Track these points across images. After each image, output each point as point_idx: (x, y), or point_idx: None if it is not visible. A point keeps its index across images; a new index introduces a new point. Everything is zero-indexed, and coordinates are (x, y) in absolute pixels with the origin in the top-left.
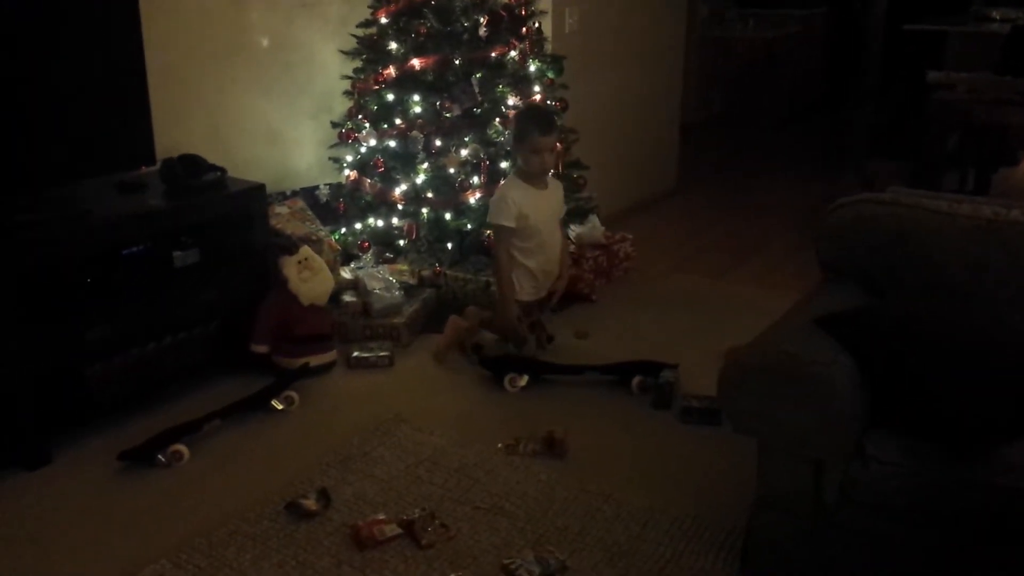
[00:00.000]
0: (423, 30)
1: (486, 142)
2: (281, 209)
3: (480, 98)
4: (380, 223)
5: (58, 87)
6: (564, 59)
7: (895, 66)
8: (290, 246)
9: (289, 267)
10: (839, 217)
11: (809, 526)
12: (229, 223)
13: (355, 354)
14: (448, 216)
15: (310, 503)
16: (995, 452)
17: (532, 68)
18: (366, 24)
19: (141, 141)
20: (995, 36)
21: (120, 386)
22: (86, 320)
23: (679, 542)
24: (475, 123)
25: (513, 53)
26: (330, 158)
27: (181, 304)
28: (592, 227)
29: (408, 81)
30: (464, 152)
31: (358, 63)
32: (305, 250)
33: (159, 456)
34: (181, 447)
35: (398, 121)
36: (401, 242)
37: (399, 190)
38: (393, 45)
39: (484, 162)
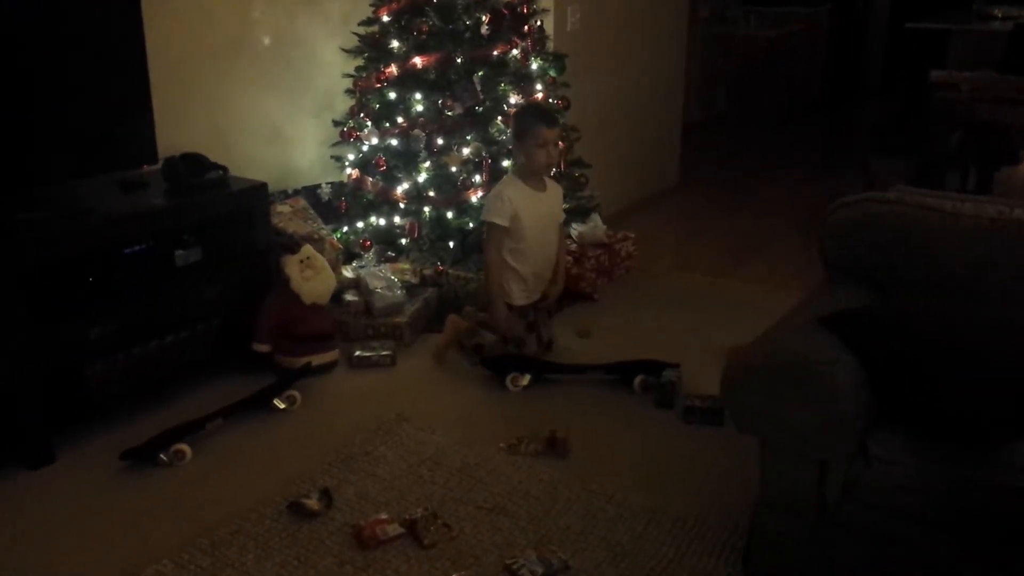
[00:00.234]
0: (425, 28)
1: (488, 140)
2: (283, 208)
3: (482, 96)
4: (382, 222)
5: (60, 86)
6: (566, 57)
7: (897, 65)
8: (292, 245)
9: (291, 266)
10: (842, 216)
11: (812, 526)
12: (231, 222)
13: (357, 353)
14: (450, 215)
15: (312, 503)
16: (999, 451)
17: (534, 66)
18: (368, 22)
19: (143, 140)
20: (997, 34)
21: (122, 385)
22: (88, 319)
23: (681, 542)
24: (477, 121)
25: (515, 51)
26: (332, 156)
27: (183, 303)
28: (594, 226)
29: (410, 79)
30: (466, 151)
31: (360, 61)
32: (307, 249)
33: (161, 455)
34: (183, 446)
35: (400, 119)
36: (403, 241)
37: (401, 189)
38: (395, 43)
39: (486, 160)
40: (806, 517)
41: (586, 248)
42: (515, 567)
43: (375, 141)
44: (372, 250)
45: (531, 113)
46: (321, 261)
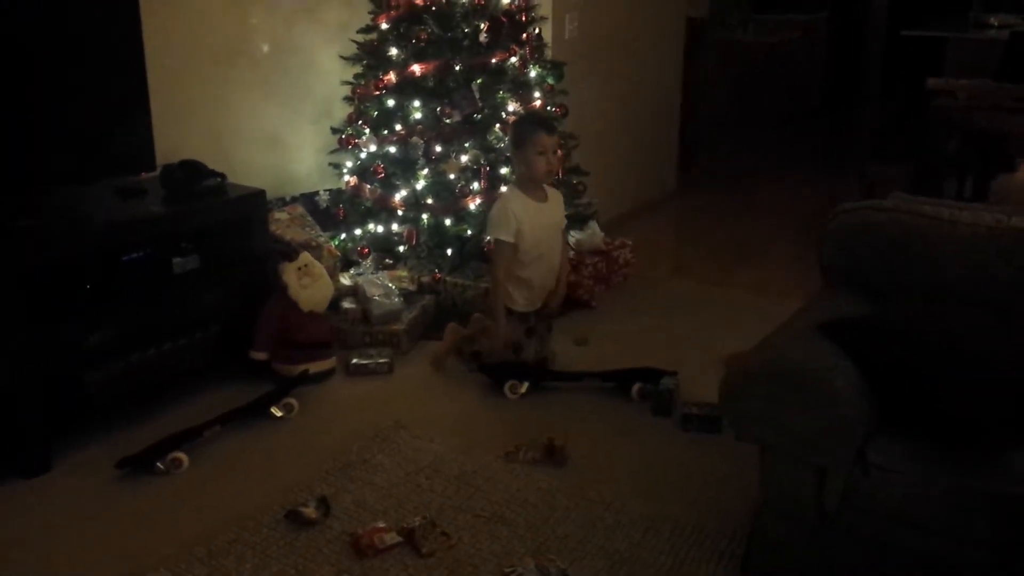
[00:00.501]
0: (423, 36)
1: (486, 148)
2: (281, 215)
3: (480, 104)
4: (380, 229)
5: (59, 92)
6: (564, 65)
7: (895, 72)
8: (290, 252)
9: (289, 273)
10: (841, 223)
11: (811, 533)
12: (229, 229)
13: (354, 361)
14: (448, 222)
15: (310, 511)
16: (999, 455)
17: (532, 74)
18: (366, 30)
19: (141, 146)
20: (994, 42)
21: (119, 392)
22: (86, 326)
23: (680, 549)
24: (475, 129)
25: (513, 59)
26: (330, 164)
27: (181, 310)
28: (592, 233)
29: (408, 87)
30: (464, 158)
31: (358, 68)
32: (305, 256)
33: (158, 463)
34: (180, 454)
35: (398, 127)
36: (401, 248)
37: (399, 196)
38: (393, 51)
39: (484, 168)
40: (805, 524)
41: (584, 255)
42: None
43: (373, 148)
44: (370, 257)
45: (530, 121)
46: (319, 268)
